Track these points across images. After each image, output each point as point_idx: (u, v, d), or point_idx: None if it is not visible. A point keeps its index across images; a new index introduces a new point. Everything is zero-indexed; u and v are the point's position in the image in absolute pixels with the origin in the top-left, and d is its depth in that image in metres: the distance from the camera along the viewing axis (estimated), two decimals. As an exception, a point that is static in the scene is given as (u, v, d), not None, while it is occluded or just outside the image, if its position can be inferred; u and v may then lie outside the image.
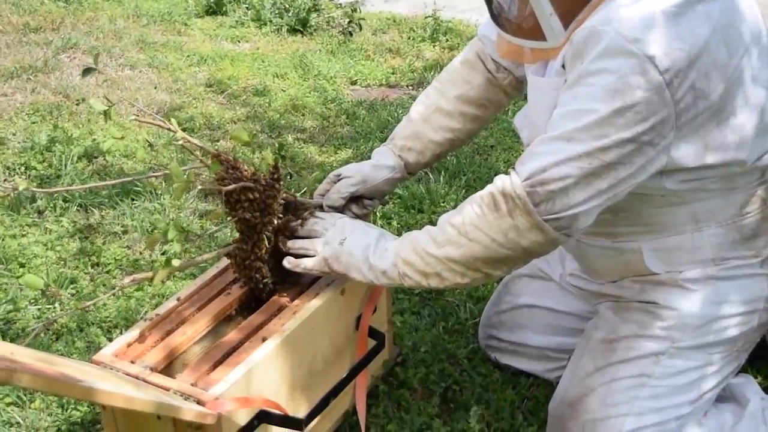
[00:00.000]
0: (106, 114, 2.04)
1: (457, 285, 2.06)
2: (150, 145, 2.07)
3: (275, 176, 2.23)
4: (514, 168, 1.95)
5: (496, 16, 2.09)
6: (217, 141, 4.14)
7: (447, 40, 5.50)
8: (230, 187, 2.15)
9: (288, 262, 2.24)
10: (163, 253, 3.17)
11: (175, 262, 2.07)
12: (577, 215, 1.90)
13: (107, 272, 3.16)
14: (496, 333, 2.66)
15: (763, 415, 2.29)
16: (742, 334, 2.20)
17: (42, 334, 2.81)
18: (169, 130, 2.09)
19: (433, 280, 2.06)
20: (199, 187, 2.08)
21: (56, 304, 2.93)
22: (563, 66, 1.95)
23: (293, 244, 2.25)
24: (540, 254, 1.99)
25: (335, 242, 2.19)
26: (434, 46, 5.46)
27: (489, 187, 1.98)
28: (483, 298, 2.92)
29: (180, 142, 2.14)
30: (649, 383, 2.17)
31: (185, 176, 2.04)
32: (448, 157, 3.89)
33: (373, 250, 2.14)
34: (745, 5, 1.97)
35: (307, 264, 2.22)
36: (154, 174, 2.06)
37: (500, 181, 1.95)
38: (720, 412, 2.28)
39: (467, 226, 1.98)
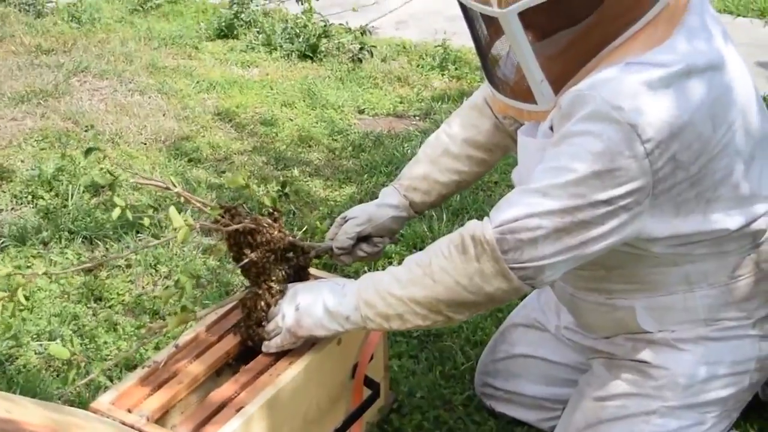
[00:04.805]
0: (111, 187, 2.10)
1: (417, 327, 2.11)
2: (155, 209, 2.13)
3: (274, 218, 2.28)
4: (488, 214, 2.00)
5: (491, 77, 2.14)
6: (223, 173, 4.17)
7: (455, 69, 5.52)
8: (231, 227, 2.20)
9: (263, 348, 2.28)
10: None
11: (188, 304, 2.12)
12: (543, 268, 1.94)
13: (110, 307, 3.20)
14: (491, 381, 2.68)
15: (752, 472, 2.31)
16: (733, 395, 2.23)
17: (43, 371, 2.85)
18: (167, 188, 2.14)
19: (394, 323, 2.10)
20: (198, 225, 2.12)
21: (58, 340, 2.97)
22: (551, 128, 1.99)
23: (264, 330, 2.29)
24: (503, 301, 2.05)
25: (291, 311, 2.22)
26: (442, 75, 5.48)
27: (460, 230, 2.02)
28: (480, 342, 2.94)
29: (175, 193, 2.18)
30: (640, 441, 2.20)
31: (184, 221, 2.08)
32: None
33: (330, 300, 2.17)
34: (737, 78, 2.00)
35: (276, 342, 2.26)
36: (155, 243, 2.10)
37: (472, 225, 1.99)
38: (711, 470, 2.30)
39: (434, 267, 2.02)
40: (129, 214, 2.14)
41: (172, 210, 2.10)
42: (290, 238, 2.32)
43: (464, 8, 2.03)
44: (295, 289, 2.27)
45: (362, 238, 2.52)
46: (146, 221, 2.26)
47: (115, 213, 2.15)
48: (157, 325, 2.17)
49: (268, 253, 2.26)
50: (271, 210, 2.31)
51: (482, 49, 2.13)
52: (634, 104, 1.84)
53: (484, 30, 2.08)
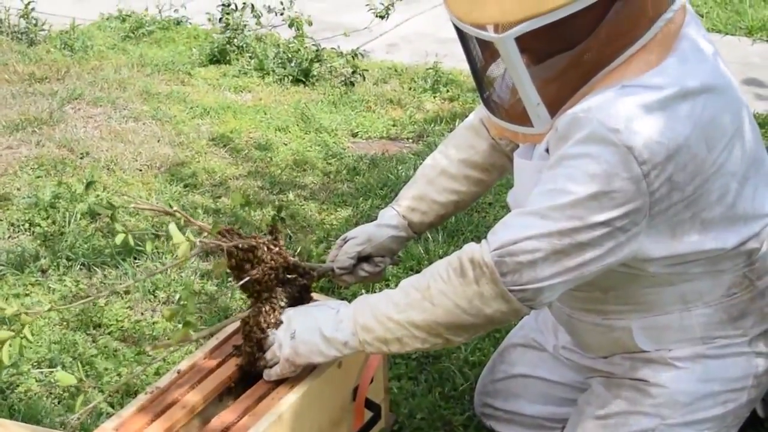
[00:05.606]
0: (112, 217, 2.11)
1: (416, 350, 2.12)
2: (156, 235, 2.14)
3: (274, 236, 2.30)
4: (485, 237, 2.01)
5: (486, 100, 2.16)
6: (219, 197, 4.19)
7: (447, 91, 5.55)
8: (231, 244, 2.21)
9: (264, 375, 2.28)
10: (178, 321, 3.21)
11: (191, 319, 2.12)
12: (542, 289, 1.96)
13: (109, 334, 3.21)
14: (491, 401, 2.70)
15: (752, 488, 2.33)
16: (731, 411, 2.24)
17: (44, 398, 2.86)
18: (166, 213, 2.15)
19: (393, 346, 2.10)
20: (198, 242, 2.13)
21: (58, 367, 2.98)
22: (547, 150, 2.02)
23: (263, 358, 2.28)
24: (502, 323, 2.06)
25: (287, 339, 2.21)
26: (435, 97, 5.51)
27: (458, 253, 2.03)
28: (479, 363, 2.96)
29: (174, 214, 2.20)
30: (640, 459, 2.22)
31: (185, 237, 2.09)
32: (447, 216, 3.94)
33: (326, 326, 2.16)
34: (730, 99, 2.02)
35: (276, 371, 2.25)
36: (157, 271, 2.11)
37: (470, 248, 2.01)
38: (711, 486, 2.32)
39: (432, 290, 2.03)
40: (131, 240, 2.15)
41: (172, 226, 2.09)
42: (291, 258, 2.34)
43: (460, 32, 2.05)
44: (288, 316, 2.27)
45: (363, 258, 2.53)
46: (148, 246, 2.26)
47: (119, 238, 2.16)
48: (162, 343, 2.19)
49: (269, 271, 2.27)
50: (270, 229, 2.33)
51: (478, 72, 2.16)
52: (630, 126, 1.86)
53: (480, 54, 2.11)
